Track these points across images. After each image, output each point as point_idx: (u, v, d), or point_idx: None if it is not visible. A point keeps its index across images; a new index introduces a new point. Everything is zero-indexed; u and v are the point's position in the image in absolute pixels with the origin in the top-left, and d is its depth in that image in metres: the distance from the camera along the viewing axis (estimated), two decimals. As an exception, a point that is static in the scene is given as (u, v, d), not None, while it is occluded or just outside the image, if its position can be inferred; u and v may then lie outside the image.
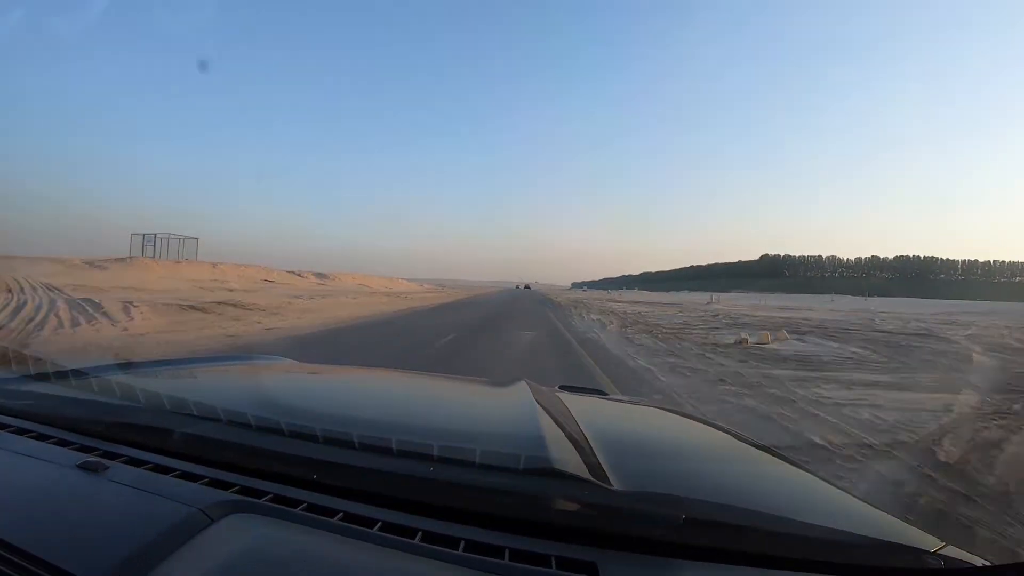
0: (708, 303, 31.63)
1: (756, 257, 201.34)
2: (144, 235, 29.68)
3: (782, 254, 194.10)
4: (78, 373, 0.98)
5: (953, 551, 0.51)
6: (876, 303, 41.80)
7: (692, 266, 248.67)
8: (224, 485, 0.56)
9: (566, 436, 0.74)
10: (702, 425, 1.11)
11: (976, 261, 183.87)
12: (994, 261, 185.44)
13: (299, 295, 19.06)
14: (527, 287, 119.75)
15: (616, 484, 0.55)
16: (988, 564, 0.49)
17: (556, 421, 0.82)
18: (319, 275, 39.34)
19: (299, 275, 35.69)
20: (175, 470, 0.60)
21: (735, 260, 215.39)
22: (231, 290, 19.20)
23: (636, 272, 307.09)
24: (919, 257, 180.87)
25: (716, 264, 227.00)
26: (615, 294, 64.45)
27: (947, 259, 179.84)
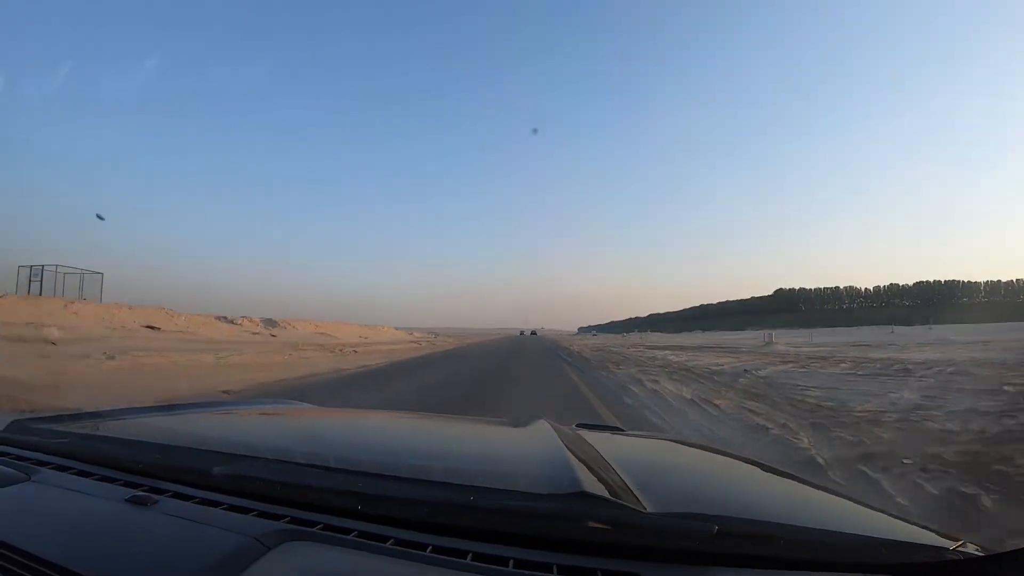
0: (767, 343, 23.45)
1: (768, 292, 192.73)
2: (32, 267, 22.38)
3: (796, 287, 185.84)
4: (112, 414, 1.07)
5: (972, 548, 0.53)
6: (954, 332, 33.00)
7: (701, 305, 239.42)
8: (274, 517, 0.58)
9: (594, 465, 0.78)
10: (721, 456, 1.19)
11: (999, 282, 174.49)
12: (1017, 280, 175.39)
13: (137, 348, 10.84)
14: (533, 333, 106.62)
15: (647, 506, 0.59)
16: (1006, 551, 0.52)
17: (582, 453, 0.86)
18: (268, 322, 31.18)
19: (231, 322, 27.41)
20: (223, 504, 0.61)
21: (747, 296, 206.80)
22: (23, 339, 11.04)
23: (644, 314, 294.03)
24: (940, 282, 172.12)
25: (728, 302, 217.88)
26: (634, 337, 55.60)
27: (969, 281, 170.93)
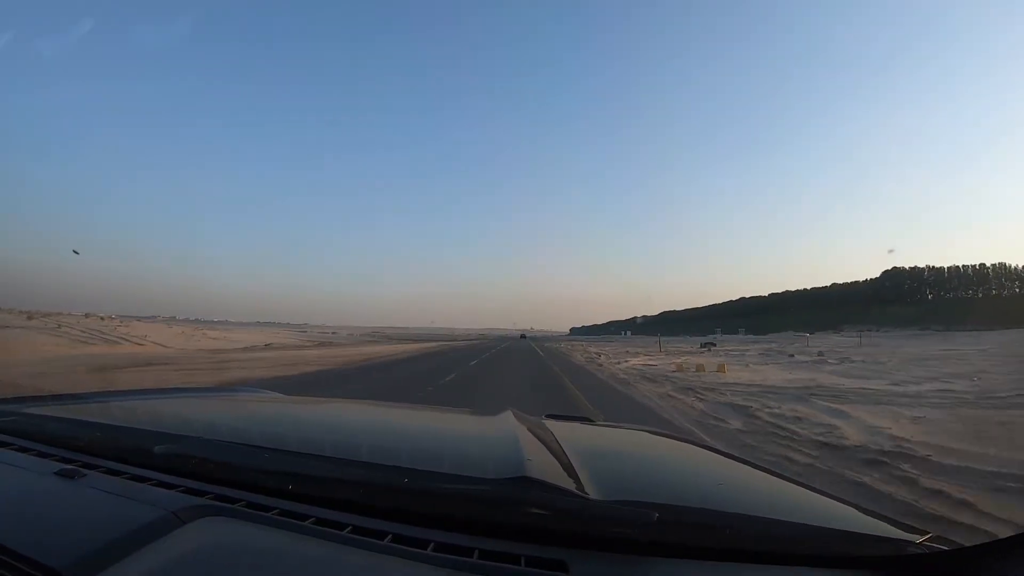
0: None
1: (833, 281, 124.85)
2: None
3: (913, 266, 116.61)
4: (60, 397, 1.12)
5: (940, 543, 0.52)
6: None
7: (741, 299, 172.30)
8: (199, 494, 0.59)
9: (545, 452, 0.77)
10: (684, 444, 1.18)
11: None
12: None
13: None
14: (523, 336, 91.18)
15: (593, 494, 0.57)
16: (970, 545, 0.49)
17: (538, 440, 0.85)
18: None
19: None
20: (152, 480, 0.63)
21: (800, 288, 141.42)
22: None
23: (654, 312, 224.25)
24: None
25: (785, 292, 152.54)
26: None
27: None
